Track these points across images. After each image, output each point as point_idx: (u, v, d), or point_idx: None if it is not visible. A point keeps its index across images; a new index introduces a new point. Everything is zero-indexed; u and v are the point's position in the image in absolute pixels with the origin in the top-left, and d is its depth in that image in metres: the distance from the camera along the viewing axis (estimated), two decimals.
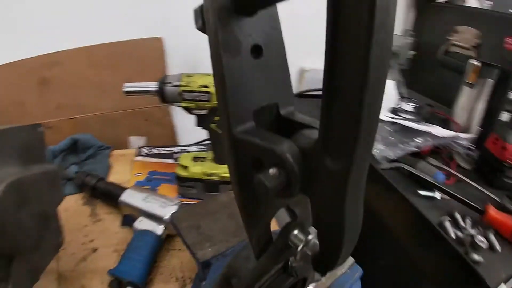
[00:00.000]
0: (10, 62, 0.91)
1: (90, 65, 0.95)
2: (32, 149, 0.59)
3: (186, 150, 0.98)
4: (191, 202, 0.81)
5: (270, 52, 0.26)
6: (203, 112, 0.75)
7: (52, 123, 0.98)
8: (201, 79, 0.72)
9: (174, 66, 0.98)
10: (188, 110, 0.75)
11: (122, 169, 0.94)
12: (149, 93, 0.75)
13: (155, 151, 0.99)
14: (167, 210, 0.68)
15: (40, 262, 0.56)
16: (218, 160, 0.80)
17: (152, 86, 0.74)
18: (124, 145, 1.06)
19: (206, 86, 0.71)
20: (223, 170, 0.78)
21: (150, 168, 0.93)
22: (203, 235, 0.52)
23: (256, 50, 0.26)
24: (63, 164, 0.91)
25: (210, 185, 0.80)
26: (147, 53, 0.94)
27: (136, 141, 1.03)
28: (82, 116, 1.01)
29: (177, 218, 0.57)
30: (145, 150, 0.98)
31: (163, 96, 0.74)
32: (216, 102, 0.70)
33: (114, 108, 1.00)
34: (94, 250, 0.69)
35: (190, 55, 0.98)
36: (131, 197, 0.72)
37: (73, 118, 0.99)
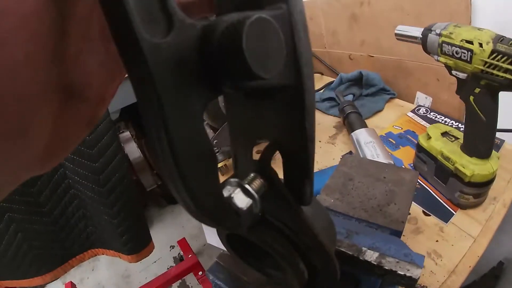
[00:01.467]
0: None
1: (395, 8, 0.97)
2: None
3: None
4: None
5: None
6: (462, 75, 0.64)
7: (354, 56, 1.14)
8: (468, 32, 0.61)
9: (480, 23, 0.82)
10: (448, 69, 0.67)
11: (389, 117, 1.00)
12: (415, 39, 0.72)
13: (431, 115, 0.94)
14: None
15: None
16: (465, 147, 0.67)
17: (419, 31, 0.71)
18: (411, 99, 1.06)
19: (470, 42, 0.60)
20: (461, 162, 0.66)
21: (412, 127, 0.92)
22: (344, 187, 0.52)
23: None
24: (345, 91, 1.08)
25: (440, 171, 0.71)
26: (452, 5, 0.85)
27: (423, 99, 1.00)
28: (380, 57, 1.09)
29: (346, 160, 0.58)
30: (422, 110, 0.96)
31: (425, 44, 0.69)
32: (478, 66, 0.58)
33: (410, 57, 0.99)
34: None
35: (501, 13, 0.78)
36: (359, 135, 0.81)
37: (372, 56, 1.10)
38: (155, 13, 0.15)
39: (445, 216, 0.69)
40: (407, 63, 1.01)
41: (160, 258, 1.83)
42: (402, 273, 0.34)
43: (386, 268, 0.34)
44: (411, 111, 0.98)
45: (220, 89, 0.19)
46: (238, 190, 0.23)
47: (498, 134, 0.86)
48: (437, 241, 0.66)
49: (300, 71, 0.20)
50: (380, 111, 1.03)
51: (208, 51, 0.16)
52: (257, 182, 0.24)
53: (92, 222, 1.19)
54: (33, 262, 1.12)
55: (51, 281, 1.28)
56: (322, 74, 1.36)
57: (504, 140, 0.86)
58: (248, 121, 0.26)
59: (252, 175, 0.25)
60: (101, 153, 0.98)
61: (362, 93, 1.07)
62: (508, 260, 1.03)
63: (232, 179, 0.23)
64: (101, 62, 0.21)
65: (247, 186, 0.23)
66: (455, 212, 0.70)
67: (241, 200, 0.22)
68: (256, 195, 0.23)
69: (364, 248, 0.36)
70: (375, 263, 0.34)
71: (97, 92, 0.22)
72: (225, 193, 0.22)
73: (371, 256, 0.35)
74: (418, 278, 0.34)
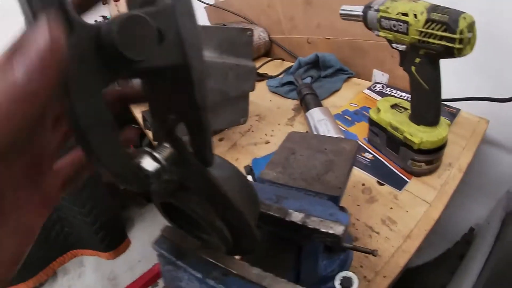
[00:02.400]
0: None
1: None
2: (237, 47, 0.79)
3: None
4: (370, 148, 0.80)
5: None
6: (402, 47, 0.67)
7: (311, 40, 1.16)
8: (404, 5, 0.63)
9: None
10: (389, 42, 0.69)
11: (346, 96, 1.03)
12: (358, 18, 0.74)
13: (387, 90, 0.97)
14: None
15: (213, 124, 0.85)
16: (413, 116, 0.70)
17: (361, 9, 0.73)
18: (369, 77, 1.08)
19: (405, 14, 0.62)
20: (409, 130, 0.68)
21: (368, 103, 0.95)
22: (286, 160, 0.54)
23: None
24: (303, 75, 1.10)
25: (391, 141, 0.73)
26: None
27: (380, 76, 1.02)
28: (335, 38, 1.11)
29: (290, 136, 0.61)
30: (378, 87, 0.99)
31: (366, 21, 0.71)
32: (414, 37, 0.61)
33: (364, 37, 1.02)
34: (267, 142, 0.92)
35: None
36: (313, 114, 0.84)
37: (328, 38, 1.12)
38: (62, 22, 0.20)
39: (399, 184, 0.72)
40: (361, 42, 1.03)
41: (144, 257, 1.83)
42: (325, 230, 0.36)
43: (310, 227, 0.36)
44: (367, 88, 1.00)
45: (118, 73, 0.24)
46: (146, 155, 0.26)
47: (454, 103, 0.89)
48: (391, 208, 0.68)
49: (185, 52, 0.24)
50: (337, 90, 1.05)
51: (100, 46, 0.21)
52: (167, 150, 0.28)
53: (67, 223, 1.20)
54: None
55: (35, 287, 1.29)
56: (283, 60, 1.37)
57: (459, 109, 0.89)
58: (159, 99, 0.30)
59: (163, 144, 0.28)
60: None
61: (320, 75, 1.09)
62: (478, 226, 1.06)
63: (143, 148, 0.27)
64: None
65: (154, 153, 0.27)
66: (409, 180, 0.72)
67: (148, 164, 0.26)
68: (163, 161, 0.27)
69: (290, 210, 0.38)
70: (300, 223, 0.36)
71: None
72: (136, 160, 0.26)
73: (296, 216, 0.37)
74: (343, 235, 0.36)
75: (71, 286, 1.84)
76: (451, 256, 1.06)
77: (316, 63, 1.12)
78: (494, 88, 0.83)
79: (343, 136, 0.75)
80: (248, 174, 0.74)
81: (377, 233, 0.64)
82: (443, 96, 0.66)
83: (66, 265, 1.50)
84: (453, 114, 0.88)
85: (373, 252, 0.43)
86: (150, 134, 1.03)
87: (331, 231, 0.36)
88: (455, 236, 1.09)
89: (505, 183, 0.93)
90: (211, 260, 0.34)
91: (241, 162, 0.86)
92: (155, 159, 0.26)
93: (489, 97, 0.81)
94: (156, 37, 0.22)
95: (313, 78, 1.08)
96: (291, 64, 1.23)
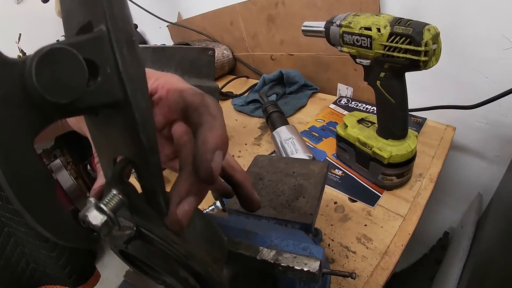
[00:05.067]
0: (248, 0, 1.13)
1: (308, 6, 0.99)
2: (198, 67, 0.76)
3: None
4: (339, 164, 0.78)
5: None
6: (366, 62, 0.66)
7: (275, 56, 1.16)
8: (366, 19, 0.62)
9: (390, 10, 0.86)
10: (353, 57, 0.68)
11: (312, 111, 1.02)
12: (320, 34, 0.73)
13: (353, 104, 0.96)
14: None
15: None
16: (380, 130, 0.69)
17: (322, 25, 0.72)
18: (334, 91, 1.08)
19: (368, 29, 0.61)
20: (378, 145, 0.67)
21: (334, 118, 0.94)
22: (255, 187, 0.51)
23: None
24: (268, 92, 1.08)
25: (360, 156, 0.72)
26: None
27: (344, 89, 1.02)
28: (299, 54, 1.11)
29: (257, 160, 0.58)
30: (343, 101, 0.98)
31: (328, 37, 0.70)
32: (378, 51, 0.60)
33: (327, 52, 1.02)
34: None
35: (409, 1, 0.82)
36: (280, 133, 0.81)
37: (292, 54, 1.12)
38: None
39: (372, 200, 0.70)
40: (325, 57, 1.03)
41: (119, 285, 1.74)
42: (299, 268, 0.33)
43: (283, 264, 0.33)
44: (332, 103, 1.00)
45: (51, 116, 0.20)
46: (92, 208, 0.23)
47: (420, 113, 0.89)
48: (365, 225, 0.66)
49: (125, 87, 0.20)
50: (303, 106, 1.04)
51: (24, 86, 0.17)
52: (115, 199, 0.24)
53: (32, 258, 1.12)
54: None
55: None
56: (248, 77, 1.36)
57: (426, 118, 0.89)
58: (104, 139, 0.26)
59: (112, 191, 0.24)
60: None
61: (285, 92, 1.08)
62: (452, 229, 1.07)
63: (89, 198, 0.23)
64: None
65: (101, 204, 0.23)
66: (381, 194, 0.71)
67: (94, 218, 0.22)
68: (110, 212, 0.23)
69: (261, 248, 0.35)
70: (272, 261, 0.33)
71: None
72: (82, 212, 0.23)
73: (268, 254, 0.34)
74: (318, 271, 0.33)
75: None
76: (428, 261, 1.06)
77: (280, 80, 1.11)
78: (458, 95, 0.83)
79: (311, 155, 0.73)
80: (216, 200, 0.71)
81: (354, 252, 0.62)
82: (409, 107, 0.66)
83: None
84: (419, 124, 0.88)
85: (351, 275, 0.40)
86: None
87: (305, 268, 0.33)
88: (431, 241, 1.10)
89: (475, 186, 0.95)
90: None
91: None
92: (101, 210, 0.23)
93: (455, 105, 0.81)
94: (86, 73, 0.19)
95: (278, 95, 1.06)
96: (255, 81, 1.21)
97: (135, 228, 0.27)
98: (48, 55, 0.17)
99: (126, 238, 0.27)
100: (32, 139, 0.19)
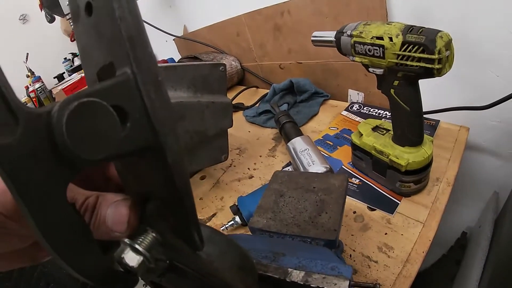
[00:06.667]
0: (253, 10, 1.14)
1: (314, 13, 0.99)
2: (210, 83, 0.77)
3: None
4: (356, 172, 0.78)
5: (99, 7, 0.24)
6: (379, 71, 0.66)
7: (284, 65, 1.16)
8: (377, 28, 0.62)
9: (397, 17, 0.86)
10: (365, 67, 0.68)
11: (324, 119, 1.02)
12: (330, 43, 0.73)
13: (365, 109, 0.96)
14: (311, 169, 0.73)
15: (192, 166, 0.85)
16: (396, 138, 0.68)
17: (333, 35, 0.72)
18: (345, 97, 1.08)
19: (380, 38, 0.61)
20: (394, 153, 0.67)
21: (348, 125, 0.93)
22: (276, 204, 0.51)
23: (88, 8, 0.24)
24: (279, 102, 1.09)
25: (377, 165, 0.72)
26: (367, 3, 0.88)
27: (355, 95, 1.02)
28: (308, 62, 1.11)
29: (276, 176, 0.58)
30: (355, 107, 0.98)
31: (339, 47, 0.70)
32: (391, 60, 0.60)
33: (336, 58, 1.01)
34: (251, 177, 0.88)
35: (417, 4, 0.82)
36: (295, 144, 0.81)
37: (300, 62, 1.12)
38: (1, 115, 0.16)
39: (391, 207, 0.70)
40: (334, 64, 1.03)
41: None
42: None
43: (313, 286, 0.33)
44: (344, 110, 1.00)
45: (80, 167, 0.19)
46: (128, 249, 0.23)
47: (433, 115, 0.89)
48: (386, 234, 0.66)
49: (156, 131, 0.20)
50: (315, 115, 1.04)
51: (52, 138, 0.17)
52: (148, 238, 0.24)
53: (52, 278, 1.13)
54: None
55: None
56: (257, 87, 1.36)
57: (439, 120, 0.88)
58: (131, 176, 0.26)
59: (146, 231, 0.24)
60: None
61: (296, 100, 1.08)
62: (470, 229, 1.06)
63: (124, 240, 0.23)
64: None
65: (136, 245, 0.23)
66: (400, 201, 0.71)
67: (131, 259, 0.22)
68: (145, 252, 0.23)
69: (290, 269, 0.35)
70: (301, 283, 0.33)
71: None
72: (118, 254, 0.23)
73: (297, 276, 0.34)
74: None
75: None
76: (447, 262, 1.06)
77: (291, 89, 1.11)
78: (470, 95, 0.83)
79: (328, 166, 0.73)
80: (235, 214, 0.71)
81: (375, 262, 0.62)
82: None
83: None
84: (433, 127, 0.87)
85: (375, 286, 0.40)
86: None
87: None
88: (449, 242, 1.09)
89: (491, 185, 0.94)
90: None
91: (226, 201, 0.83)
92: (137, 251, 0.23)
93: (468, 106, 0.81)
94: (119, 125, 0.18)
95: (289, 104, 1.06)
96: (265, 91, 1.22)
97: (168, 262, 0.26)
98: (78, 109, 0.17)
99: (159, 272, 0.27)
100: (63, 190, 0.19)
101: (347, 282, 0.33)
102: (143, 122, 0.19)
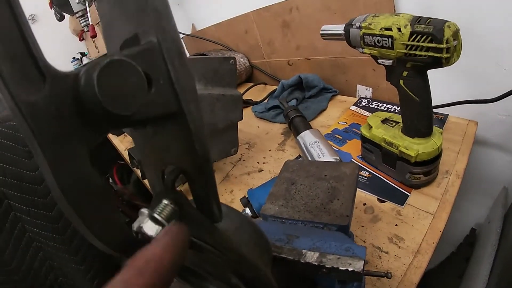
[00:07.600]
0: (262, 7, 1.15)
1: (322, 9, 0.99)
2: (221, 76, 0.78)
3: None
4: (365, 165, 0.78)
5: None
6: (388, 62, 0.66)
7: (292, 61, 1.16)
8: (386, 20, 0.62)
9: (404, 11, 0.86)
10: (374, 58, 0.68)
11: (333, 114, 1.02)
12: (339, 37, 0.73)
13: (373, 104, 0.96)
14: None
15: None
16: (405, 129, 0.69)
17: (342, 28, 0.72)
18: (353, 93, 1.08)
19: (389, 29, 0.61)
20: (404, 144, 0.67)
21: (356, 120, 0.93)
22: (288, 192, 0.51)
23: None
24: (288, 97, 1.09)
25: (386, 157, 0.72)
26: None
27: (364, 90, 1.02)
28: (316, 58, 1.11)
29: (287, 165, 0.58)
30: (363, 102, 0.98)
31: (348, 39, 0.71)
32: (400, 51, 0.60)
33: (344, 54, 1.02)
34: (260, 170, 0.88)
35: None
36: (304, 137, 0.82)
37: (309, 58, 1.12)
38: (29, 72, 0.16)
39: (401, 199, 0.70)
40: (342, 59, 1.03)
41: None
42: (344, 268, 0.33)
43: (328, 266, 0.33)
44: (353, 105, 1.00)
45: (105, 129, 0.20)
46: (147, 219, 0.23)
47: (441, 109, 0.89)
48: (396, 225, 0.66)
49: (178, 97, 0.20)
50: (324, 110, 1.04)
51: (79, 99, 0.18)
52: (167, 209, 0.24)
53: (61, 272, 1.13)
54: None
55: None
56: (266, 84, 1.37)
57: (447, 114, 0.88)
58: (153, 149, 0.26)
59: (164, 201, 0.24)
60: (54, 201, 0.94)
61: (305, 96, 1.08)
62: (479, 225, 1.06)
63: (142, 209, 0.23)
64: None
65: (155, 214, 0.23)
66: (410, 193, 0.70)
67: (150, 228, 0.22)
68: (165, 222, 0.23)
69: (304, 250, 0.35)
70: (316, 264, 0.34)
71: None
72: (136, 224, 0.23)
73: (311, 257, 0.34)
74: (362, 270, 0.33)
75: None
76: (456, 259, 1.05)
77: (299, 85, 1.11)
78: (477, 88, 0.83)
79: (338, 157, 0.73)
80: (245, 207, 0.71)
81: (386, 252, 0.62)
82: None
83: None
84: (442, 120, 0.87)
85: (387, 275, 0.40)
86: (138, 172, 0.99)
87: (350, 269, 0.33)
88: (457, 239, 1.08)
89: (500, 181, 0.93)
90: None
91: (236, 194, 0.83)
92: (156, 221, 0.23)
93: (476, 99, 0.81)
94: (146, 84, 0.19)
95: (298, 100, 1.07)
96: (274, 87, 1.22)
97: None
98: (108, 67, 0.17)
99: None
100: (88, 151, 0.19)
101: (362, 262, 0.33)
102: (166, 88, 0.20)
